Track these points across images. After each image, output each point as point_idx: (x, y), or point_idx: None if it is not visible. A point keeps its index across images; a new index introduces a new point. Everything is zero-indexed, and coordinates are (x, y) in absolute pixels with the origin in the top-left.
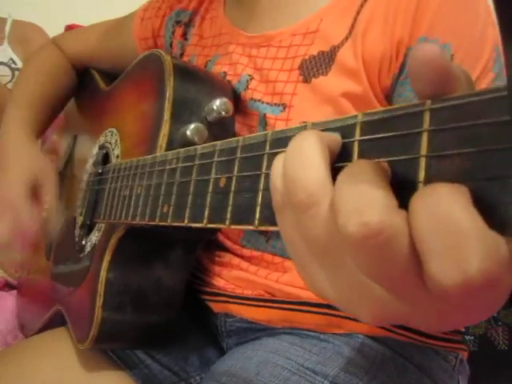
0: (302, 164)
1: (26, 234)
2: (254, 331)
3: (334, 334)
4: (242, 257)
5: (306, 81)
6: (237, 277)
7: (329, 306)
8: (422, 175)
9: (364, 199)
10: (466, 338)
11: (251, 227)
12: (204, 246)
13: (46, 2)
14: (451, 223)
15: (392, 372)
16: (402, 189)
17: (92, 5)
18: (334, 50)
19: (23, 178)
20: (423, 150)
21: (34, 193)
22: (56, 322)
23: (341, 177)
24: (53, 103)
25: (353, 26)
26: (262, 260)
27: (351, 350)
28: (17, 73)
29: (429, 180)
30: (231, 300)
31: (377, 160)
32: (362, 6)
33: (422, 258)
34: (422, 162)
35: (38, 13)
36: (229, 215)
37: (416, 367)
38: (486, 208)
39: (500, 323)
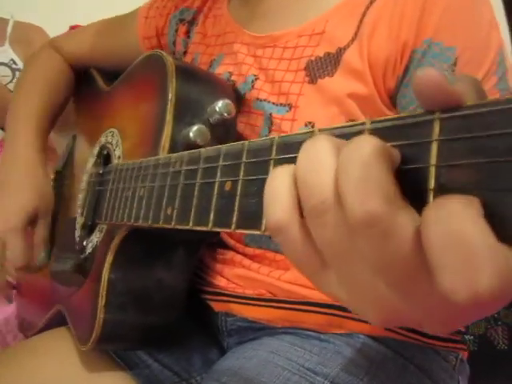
0: (316, 169)
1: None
2: (254, 330)
3: (334, 334)
4: (244, 255)
5: (312, 81)
6: (238, 275)
7: (330, 306)
8: (432, 184)
9: (367, 188)
10: (466, 337)
11: (258, 232)
12: (207, 245)
13: (47, 3)
14: (462, 239)
15: (392, 372)
16: (413, 196)
17: (93, 5)
18: (339, 52)
19: (24, 209)
20: (433, 160)
21: (30, 223)
22: (56, 322)
23: (343, 158)
24: (54, 111)
25: (358, 28)
26: (264, 258)
27: (351, 350)
28: (17, 73)
29: (439, 188)
30: (232, 299)
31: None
32: (367, 8)
33: (431, 269)
34: (432, 171)
35: (39, 14)
36: (234, 219)
37: (416, 367)
38: (497, 219)
39: (500, 323)
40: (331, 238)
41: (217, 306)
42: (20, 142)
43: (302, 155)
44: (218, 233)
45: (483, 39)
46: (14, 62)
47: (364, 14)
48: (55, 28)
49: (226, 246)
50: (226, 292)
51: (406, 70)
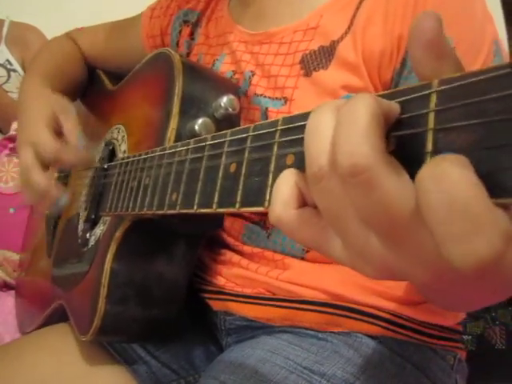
0: (316, 134)
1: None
2: (252, 329)
3: (332, 332)
4: (242, 254)
5: (307, 75)
6: (237, 275)
7: (328, 305)
8: (429, 147)
9: (356, 141)
10: (464, 337)
11: (261, 209)
12: (206, 243)
13: (44, 4)
14: (455, 195)
15: (390, 371)
16: (411, 161)
17: (91, 7)
18: (333, 45)
19: (42, 113)
20: (430, 125)
21: (56, 125)
22: (54, 319)
23: (339, 117)
24: (67, 79)
25: (352, 21)
26: (262, 257)
27: (349, 348)
28: (12, 74)
29: (436, 151)
30: (231, 298)
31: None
32: (361, 2)
33: (429, 226)
34: (430, 135)
35: (36, 15)
36: (239, 198)
37: (414, 366)
38: (490, 175)
39: (497, 323)
40: (328, 200)
41: (216, 305)
42: (29, 85)
43: (307, 124)
44: (219, 223)
45: (478, 29)
46: (10, 63)
47: (358, 8)
48: (52, 29)
49: (225, 246)
50: (225, 291)
51: (404, 62)
